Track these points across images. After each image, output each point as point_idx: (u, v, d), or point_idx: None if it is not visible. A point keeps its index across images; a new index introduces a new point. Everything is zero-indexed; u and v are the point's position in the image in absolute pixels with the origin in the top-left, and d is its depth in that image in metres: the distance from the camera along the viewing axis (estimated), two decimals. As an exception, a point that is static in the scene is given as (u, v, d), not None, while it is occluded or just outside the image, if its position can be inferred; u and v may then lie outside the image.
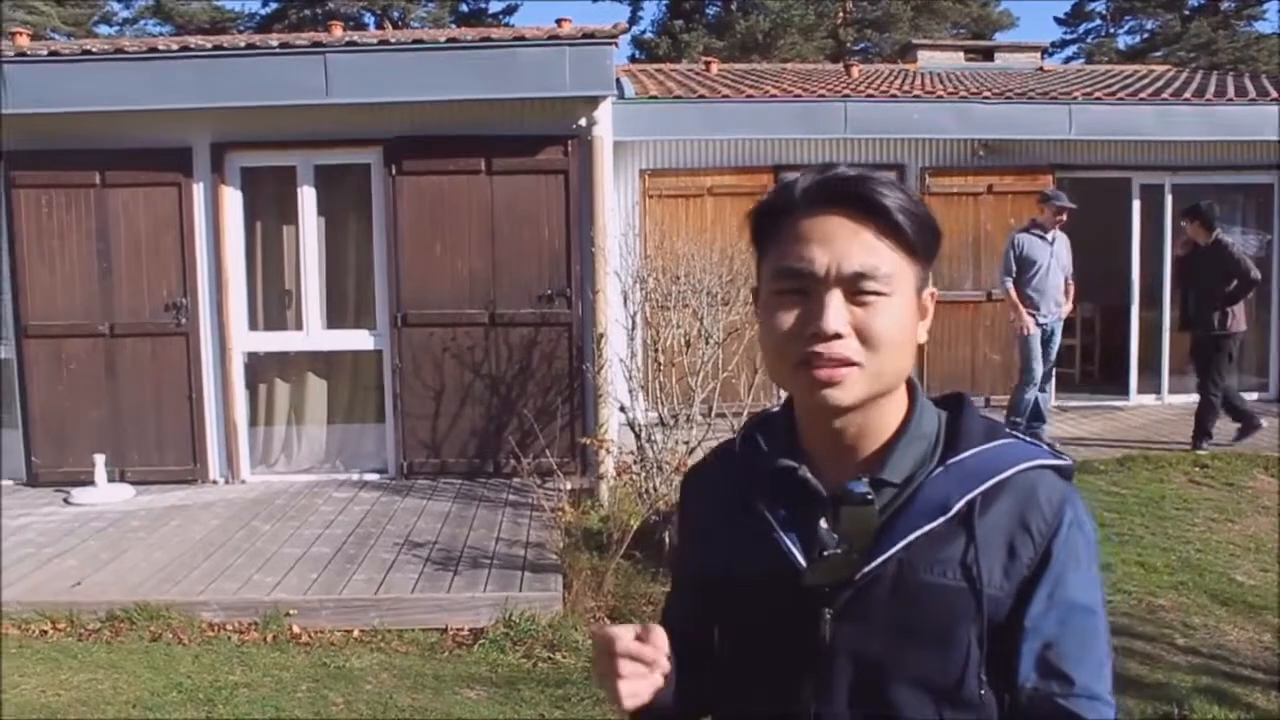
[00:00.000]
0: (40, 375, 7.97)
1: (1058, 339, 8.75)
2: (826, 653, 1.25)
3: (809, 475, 1.28)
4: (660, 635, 1.26)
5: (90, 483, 7.64)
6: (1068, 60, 35.42)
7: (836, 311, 1.20)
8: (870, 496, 1.23)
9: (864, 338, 1.20)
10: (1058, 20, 37.82)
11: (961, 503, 1.21)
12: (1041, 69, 15.41)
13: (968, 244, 10.30)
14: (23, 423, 8.05)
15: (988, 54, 16.47)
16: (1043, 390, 8.68)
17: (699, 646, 1.36)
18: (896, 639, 1.22)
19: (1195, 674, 4.69)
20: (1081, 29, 37.28)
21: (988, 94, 10.52)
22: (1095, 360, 12.25)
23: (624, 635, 1.25)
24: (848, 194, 1.22)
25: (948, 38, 29.59)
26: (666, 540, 6.25)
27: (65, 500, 7.56)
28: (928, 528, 1.21)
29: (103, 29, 33.55)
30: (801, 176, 1.26)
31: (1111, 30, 36.83)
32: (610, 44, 7.60)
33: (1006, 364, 10.29)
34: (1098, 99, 10.49)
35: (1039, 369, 8.44)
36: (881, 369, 1.22)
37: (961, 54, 16.34)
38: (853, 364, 1.21)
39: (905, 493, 1.24)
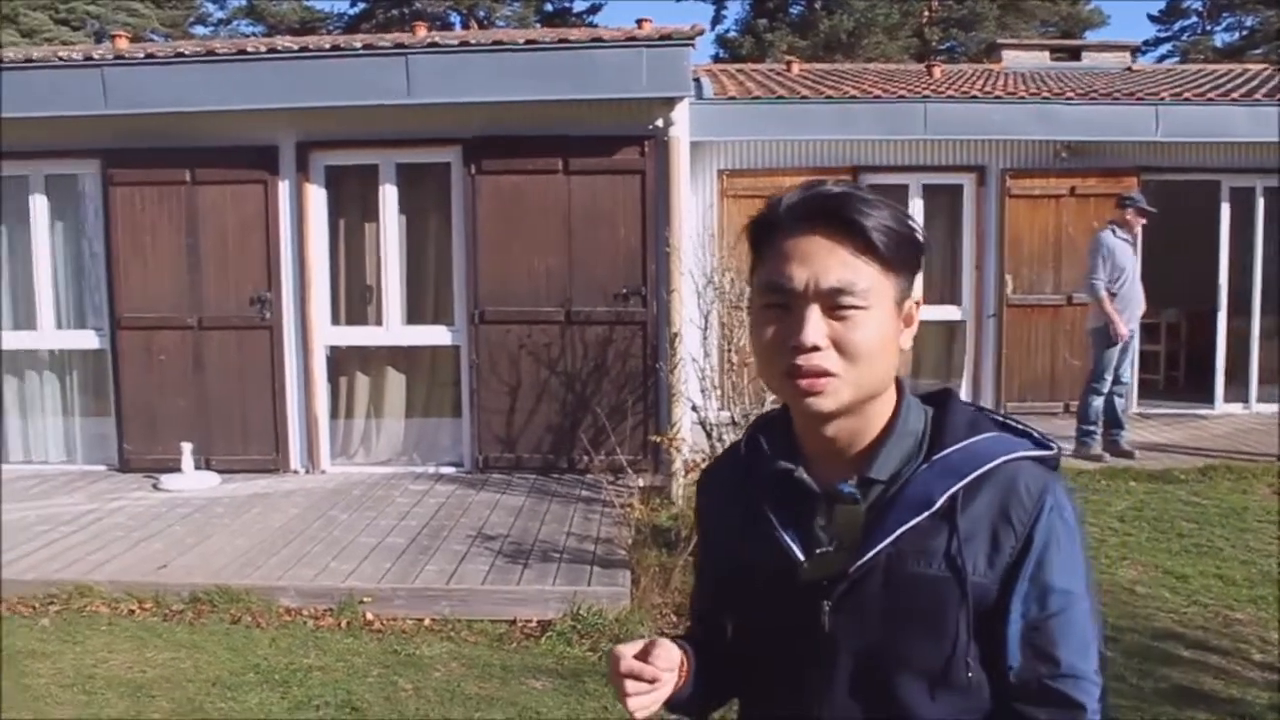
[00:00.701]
0: (132, 366, 8.25)
1: (1137, 345, 8.63)
2: (827, 643, 1.34)
3: (804, 476, 1.36)
4: (665, 649, 1.36)
5: (178, 470, 7.90)
6: (1161, 59, 34.65)
7: (814, 325, 1.27)
8: (856, 495, 1.33)
9: (842, 349, 1.28)
10: (1152, 18, 36.96)
11: (944, 497, 1.28)
12: (1130, 69, 15.07)
13: (1048, 247, 10.16)
14: (115, 411, 8.34)
15: (1075, 53, 16.16)
16: (1120, 395, 8.55)
17: (714, 644, 1.48)
18: (890, 628, 1.30)
19: (1271, 690, 4.60)
20: (1177, 26, 36.43)
21: (1071, 94, 10.36)
22: (1180, 367, 12.00)
23: (627, 654, 1.35)
24: (828, 212, 1.30)
25: (1035, 36, 29.10)
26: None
27: (154, 486, 7.83)
28: (913, 522, 1.28)
29: (198, 29, 34.48)
30: (789, 194, 1.34)
31: (1208, 28, 35.92)
32: (688, 45, 7.64)
33: (1087, 369, 10.12)
34: (1186, 99, 10.27)
35: (1110, 377, 8.31)
36: (860, 379, 1.30)
37: (1047, 53, 16.07)
38: (831, 374, 1.28)
39: (892, 490, 1.32)
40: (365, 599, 5.53)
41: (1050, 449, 1.35)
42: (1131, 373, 8.58)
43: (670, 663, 1.36)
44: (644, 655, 1.35)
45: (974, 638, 1.27)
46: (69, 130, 8.05)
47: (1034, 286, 10.17)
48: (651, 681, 1.33)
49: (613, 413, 7.89)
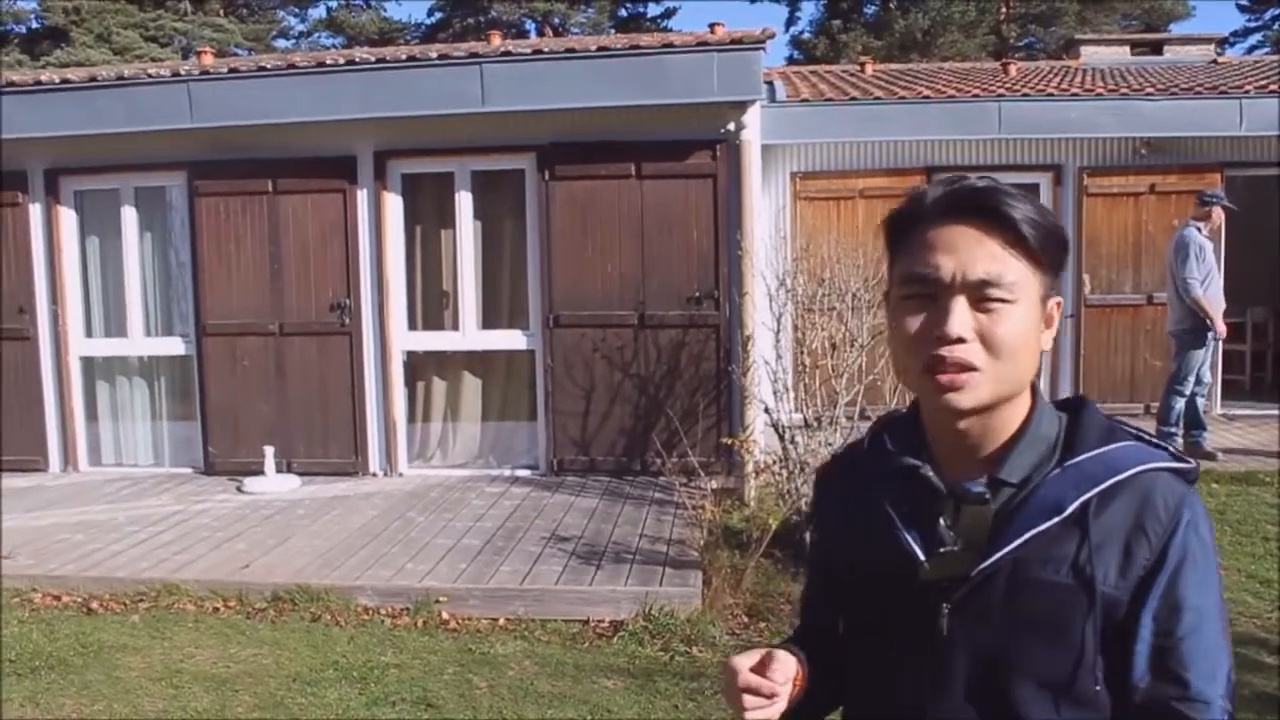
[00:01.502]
0: (216, 371, 8.50)
1: (1219, 345, 8.49)
2: (944, 646, 1.30)
3: (930, 473, 1.33)
4: (782, 662, 1.33)
5: (260, 472, 8.11)
6: (1251, 50, 33.72)
7: (960, 316, 1.25)
8: (986, 495, 1.29)
9: (987, 343, 1.26)
10: (1240, 7, 35.84)
11: (1076, 503, 1.24)
12: (1216, 61, 14.73)
13: (1128, 246, 9.98)
14: (201, 415, 8.58)
15: (1157, 47, 15.84)
16: (1202, 396, 8.38)
17: (833, 639, 1.47)
18: (1012, 635, 1.26)
19: (1356, 696, 4.49)
20: (1268, 15, 35.34)
21: (1151, 90, 10.15)
22: (1266, 367, 11.69)
23: (743, 668, 1.32)
24: (975, 205, 1.28)
25: (1117, 30, 28.56)
26: (807, 540, 6.29)
27: (238, 488, 8.05)
28: (1043, 527, 1.25)
29: (280, 43, 35.22)
30: (932, 186, 1.33)
31: (1303, 15, 34.83)
32: (758, 49, 7.66)
33: (1168, 370, 9.92)
34: (1272, 92, 10.00)
35: (1193, 379, 8.15)
36: (1002, 374, 1.27)
37: (1128, 48, 15.75)
38: (974, 369, 1.26)
39: (1022, 493, 1.28)
40: (441, 599, 5.63)
41: (1188, 463, 1.30)
42: (1213, 373, 8.39)
43: (787, 675, 1.33)
44: (760, 668, 1.32)
45: (1100, 650, 1.23)
46: (157, 144, 8.32)
47: (1113, 286, 10.00)
48: (769, 696, 1.30)
49: (685, 415, 7.94)
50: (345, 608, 5.62)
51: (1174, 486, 1.26)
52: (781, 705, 1.32)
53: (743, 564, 5.90)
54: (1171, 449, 1.32)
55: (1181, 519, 1.23)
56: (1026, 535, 1.25)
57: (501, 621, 5.52)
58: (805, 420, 6.96)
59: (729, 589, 5.73)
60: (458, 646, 5.21)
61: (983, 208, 1.27)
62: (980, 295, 1.26)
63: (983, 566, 1.26)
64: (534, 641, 5.30)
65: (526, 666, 4.96)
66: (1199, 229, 8.09)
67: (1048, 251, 1.28)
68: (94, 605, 5.79)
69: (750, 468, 7.07)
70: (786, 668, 1.33)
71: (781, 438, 6.80)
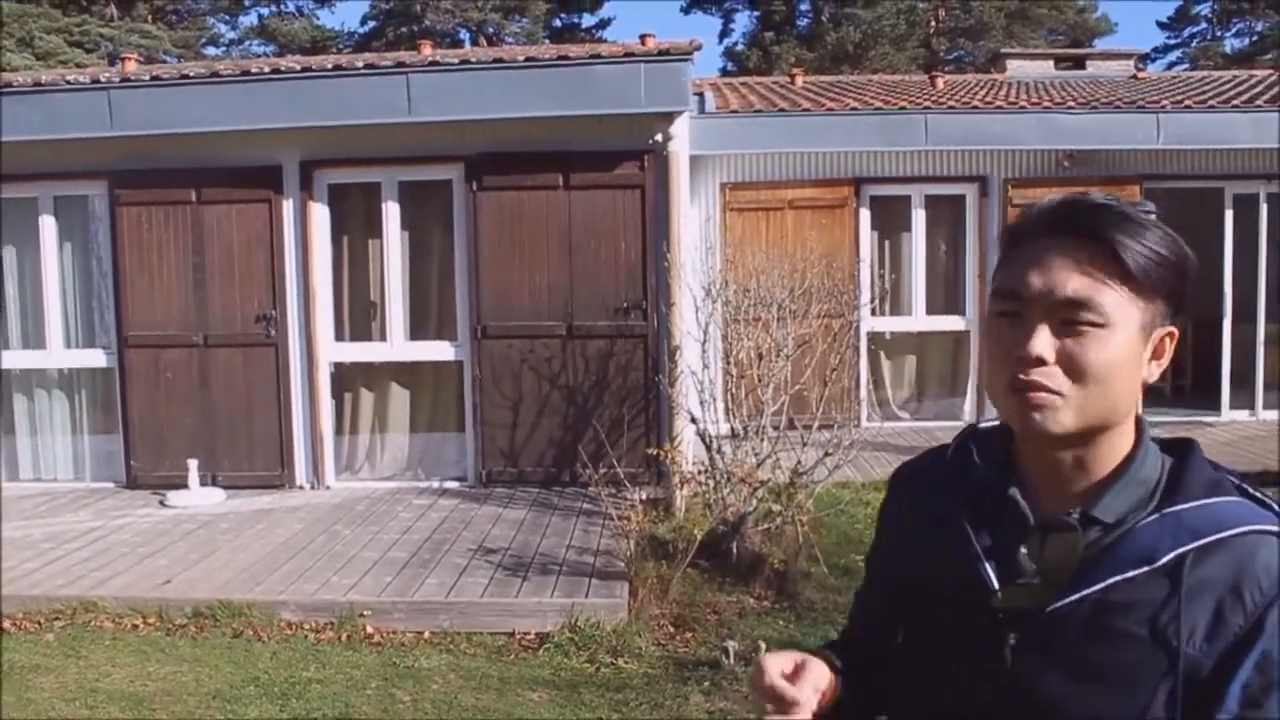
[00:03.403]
0: (139, 383, 8.35)
1: None
2: (1005, 679, 1.23)
3: (1019, 497, 1.25)
4: (815, 671, 1.29)
5: (184, 486, 7.98)
6: (1171, 66, 34.58)
7: (1043, 337, 1.18)
8: (1077, 526, 1.22)
9: (1070, 368, 1.18)
10: (1161, 25, 36.84)
11: (1170, 555, 1.16)
12: (1136, 76, 15.10)
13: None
14: (123, 428, 8.43)
15: (1080, 62, 16.18)
16: None
17: (877, 651, 1.38)
18: (1078, 680, 1.19)
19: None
20: (1186, 33, 36.31)
21: (1073, 103, 10.39)
22: (1187, 375, 11.97)
23: (773, 671, 1.28)
24: (1081, 223, 1.21)
25: (1044, 45, 29.15)
26: (734, 551, 6.33)
27: (161, 502, 7.91)
28: (1131, 574, 1.17)
29: (210, 50, 34.74)
30: (1047, 200, 1.26)
31: (1219, 33, 35.80)
32: (686, 60, 7.71)
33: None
34: (1188, 106, 10.28)
35: None
36: (1086, 403, 1.18)
37: (1052, 62, 16.08)
38: (1054, 393, 1.18)
39: (1114, 534, 1.21)
40: (365, 613, 5.59)
41: None
42: None
43: (818, 686, 1.28)
44: (792, 675, 1.28)
45: (1177, 715, 1.13)
46: (77, 152, 8.17)
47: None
48: (791, 703, 1.26)
49: (614, 426, 7.95)
50: (268, 623, 5.55)
51: (1278, 552, 1.16)
52: (805, 716, 1.26)
53: (669, 574, 5.93)
54: (1262, 497, 1.23)
55: None
56: (1112, 579, 1.17)
57: (426, 635, 5.50)
58: (732, 430, 7.01)
59: (655, 599, 5.76)
60: (382, 661, 5.17)
61: (1088, 227, 1.20)
62: (1069, 317, 1.18)
63: (1059, 604, 1.19)
64: (459, 655, 5.28)
65: (451, 680, 4.94)
66: None
67: (1155, 280, 1.19)
68: (6, 625, 5.66)
69: (677, 478, 7.10)
70: (818, 678, 1.29)
71: (708, 448, 6.83)
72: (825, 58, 29.22)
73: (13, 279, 8.76)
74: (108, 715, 4.58)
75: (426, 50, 9.44)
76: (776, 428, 6.88)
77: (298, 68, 8.09)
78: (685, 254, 7.87)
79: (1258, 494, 1.24)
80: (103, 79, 8.14)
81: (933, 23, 32.16)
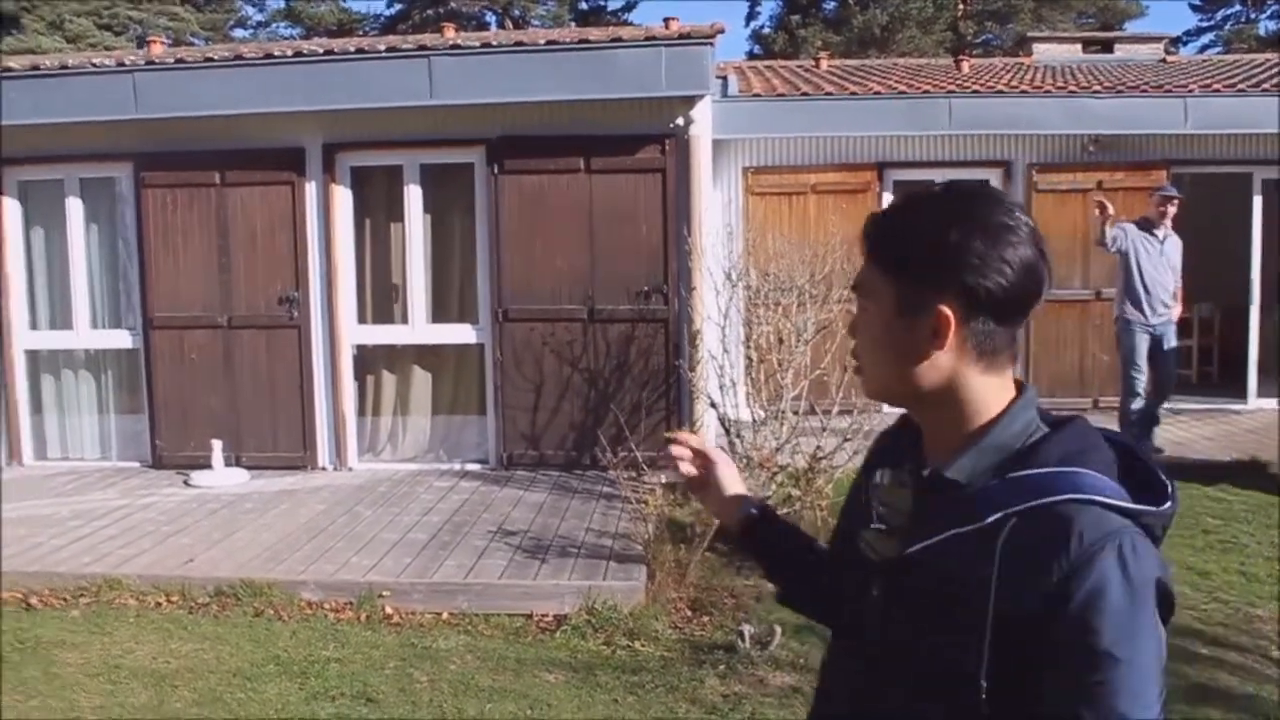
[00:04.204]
0: (164, 364, 8.43)
1: (1171, 343, 8.32)
2: (870, 620, 1.37)
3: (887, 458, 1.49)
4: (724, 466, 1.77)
5: (208, 466, 8.05)
6: (1203, 50, 34.14)
7: (853, 317, 1.41)
8: (902, 481, 1.42)
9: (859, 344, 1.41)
10: (1193, 7, 36.32)
11: (995, 516, 1.23)
12: (1165, 60, 14.94)
13: (1076, 242, 10.07)
14: (149, 408, 8.51)
15: (1108, 46, 16.03)
16: (1166, 399, 8.36)
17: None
18: (915, 626, 1.29)
19: (1288, 687, 4.59)
20: (1219, 15, 35.83)
21: (1099, 88, 10.29)
22: (1213, 362, 11.88)
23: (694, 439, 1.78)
24: (872, 218, 1.40)
25: (1072, 28, 28.85)
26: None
27: (185, 482, 8.00)
28: (958, 531, 1.25)
29: (238, 33, 34.87)
30: None
31: (1252, 16, 35.29)
32: (707, 44, 7.69)
33: (1116, 364, 10.05)
34: (1216, 91, 10.17)
35: (1140, 376, 8.13)
36: (867, 373, 1.41)
37: (1080, 46, 15.93)
38: (860, 364, 1.41)
39: (958, 495, 1.29)
40: (385, 593, 5.64)
41: (1155, 507, 1.24)
42: (1168, 374, 8.30)
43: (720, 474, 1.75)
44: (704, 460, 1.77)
45: (993, 667, 1.20)
46: (103, 135, 8.23)
47: (1062, 281, 10.11)
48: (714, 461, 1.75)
49: (635, 410, 7.97)
50: (288, 602, 5.61)
51: (1103, 524, 1.19)
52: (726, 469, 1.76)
53: (687, 558, 5.94)
54: (1162, 487, 1.27)
55: (1098, 555, 1.17)
56: (943, 535, 1.26)
57: (445, 616, 5.53)
58: (752, 415, 7.01)
59: (673, 583, 5.77)
60: (400, 641, 5.21)
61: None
62: (859, 300, 1.39)
63: (905, 554, 1.31)
64: (476, 636, 5.31)
65: (468, 661, 4.98)
66: (1141, 223, 8.21)
67: (893, 258, 1.33)
68: (33, 601, 5.75)
69: (695, 462, 7.07)
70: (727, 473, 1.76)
71: (728, 432, 6.84)
72: (852, 41, 29.04)
73: (40, 260, 8.86)
74: (130, 691, 4.65)
75: (449, 33, 9.45)
76: (796, 412, 6.88)
77: (320, 51, 8.12)
78: (706, 238, 7.86)
79: (1160, 474, 1.29)
80: (128, 62, 8.19)
81: (960, 6, 31.87)
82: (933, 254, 1.29)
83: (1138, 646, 1.17)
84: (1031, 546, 1.20)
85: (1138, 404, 8.19)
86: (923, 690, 1.27)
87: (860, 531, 1.44)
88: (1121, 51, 15.64)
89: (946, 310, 1.28)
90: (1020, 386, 1.35)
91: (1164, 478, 1.28)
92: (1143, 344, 8.13)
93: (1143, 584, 1.18)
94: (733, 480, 1.76)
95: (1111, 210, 7.97)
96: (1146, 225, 8.19)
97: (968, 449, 1.30)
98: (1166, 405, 8.65)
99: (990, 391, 1.32)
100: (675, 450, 1.77)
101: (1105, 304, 9.78)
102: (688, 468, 1.76)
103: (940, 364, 1.31)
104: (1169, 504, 1.25)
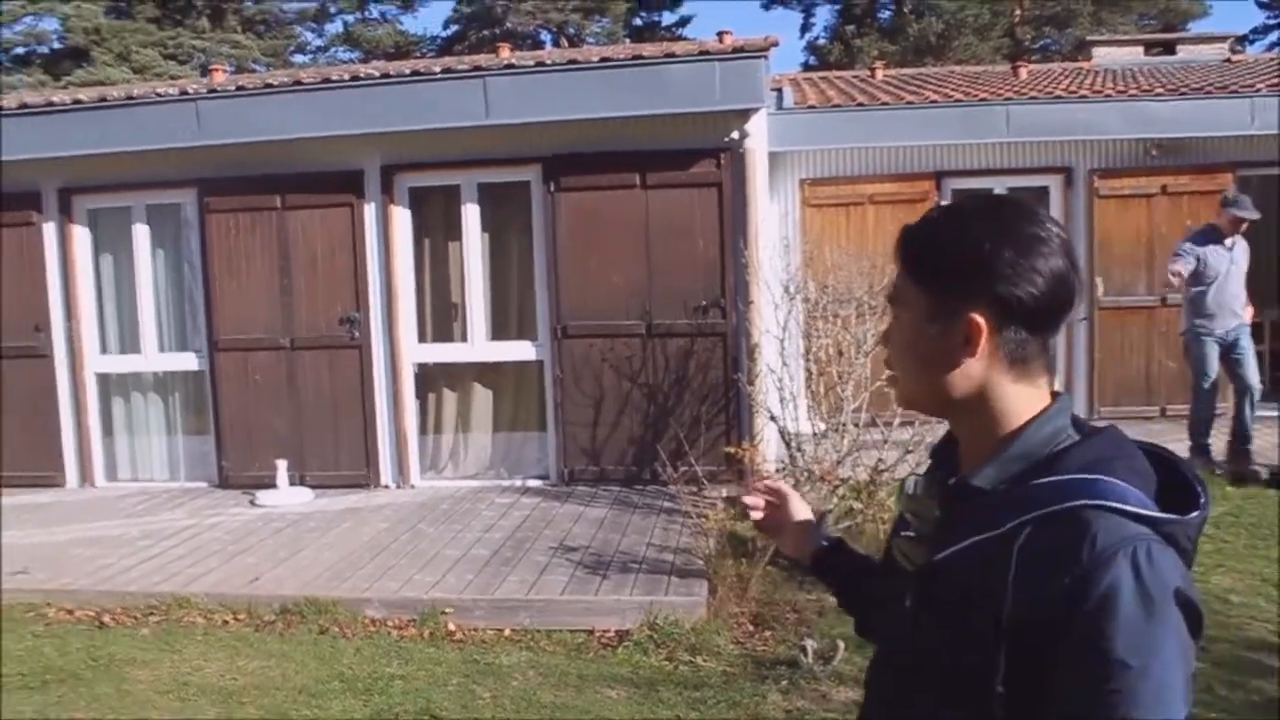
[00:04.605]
0: (229, 386, 8.57)
1: (1245, 349, 7.99)
2: (904, 626, 1.38)
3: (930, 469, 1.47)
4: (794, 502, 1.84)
5: (273, 486, 8.16)
6: (1271, 47, 33.40)
7: (887, 327, 1.43)
8: (929, 490, 1.42)
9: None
10: (1260, 4, 35.53)
11: (1011, 523, 1.24)
12: (1230, 60, 14.65)
13: (1140, 248, 9.93)
14: (215, 429, 8.66)
15: (1170, 47, 15.76)
16: (1249, 406, 8.03)
17: None
18: (941, 634, 1.30)
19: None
20: (1288, 12, 35.02)
21: (1161, 90, 10.12)
22: (1286, 368, 11.58)
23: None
24: (905, 229, 1.40)
25: (1133, 30, 28.41)
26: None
27: (251, 502, 8.11)
28: (979, 538, 1.27)
29: (298, 58, 35.45)
30: None
31: (1324, 11, 34.46)
32: (761, 57, 7.68)
33: (1184, 370, 9.85)
34: (1283, 91, 9.95)
35: (1210, 387, 7.92)
36: (900, 384, 1.43)
37: (1141, 49, 15.68)
38: (892, 372, 1.44)
39: (981, 502, 1.30)
40: (447, 610, 5.67)
41: (1183, 515, 1.23)
42: (1246, 381, 7.91)
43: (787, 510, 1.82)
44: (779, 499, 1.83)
45: (1010, 673, 1.20)
46: (168, 162, 8.41)
47: (1126, 288, 9.95)
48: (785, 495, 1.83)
49: (694, 424, 7.95)
50: (352, 619, 5.66)
51: (1120, 532, 1.19)
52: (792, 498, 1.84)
53: (749, 572, 5.90)
54: (1195, 488, 1.26)
55: (1108, 565, 1.16)
56: (964, 542, 1.28)
57: (507, 632, 5.55)
58: (813, 428, 6.96)
59: (734, 597, 5.74)
60: (463, 657, 5.24)
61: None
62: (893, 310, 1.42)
63: (933, 561, 1.33)
64: (539, 652, 5.32)
65: (530, 677, 4.99)
66: (1209, 232, 7.92)
67: (925, 268, 1.35)
68: (105, 619, 5.86)
69: (755, 476, 7.06)
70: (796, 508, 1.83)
71: (788, 445, 6.80)
72: (907, 50, 28.84)
73: (109, 286, 9.06)
74: (199, 708, 4.71)
75: (504, 53, 9.53)
76: (857, 425, 6.82)
77: (377, 74, 8.21)
78: (763, 251, 7.83)
79: (1196, 484, 1.27)
80: (191, 90, 8.36)
81: (1017, 11, 31.52)
82: (964, 263, 1.31)
83: (1154, 655, 1.15)
84: (1046, 552, 1.21)
85: (1205, 413, 8.02)
86: (946, 697, 1.28)
87: (895, 540, 1.47)
88: (1184, 53, 15.36)
89: (978, 319, 1.30)
90: (1054, 396, 1.36)
91: (1198, 487, 1.27)
92: (1213, 353, 7.93)
93: (1159, 592, 1.16)
94: (800, 509, 1.83)
95: (1186, 276, 7.79)
96: (1214, 234, 7.90)
97: (994, 457, 1.32)
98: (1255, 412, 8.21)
99: (1022, 400, 1.33)
100: (749, 500, 1.83)
101: (1171, 310, 9.61)
102: (758, 514, 1.84)
103: (971, 372, 1.33)
104: (1195, 513, 1.23)
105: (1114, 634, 1.15)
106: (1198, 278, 7.82)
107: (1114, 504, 1.21)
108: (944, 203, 1.42)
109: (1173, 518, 1.22)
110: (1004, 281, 1.28)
